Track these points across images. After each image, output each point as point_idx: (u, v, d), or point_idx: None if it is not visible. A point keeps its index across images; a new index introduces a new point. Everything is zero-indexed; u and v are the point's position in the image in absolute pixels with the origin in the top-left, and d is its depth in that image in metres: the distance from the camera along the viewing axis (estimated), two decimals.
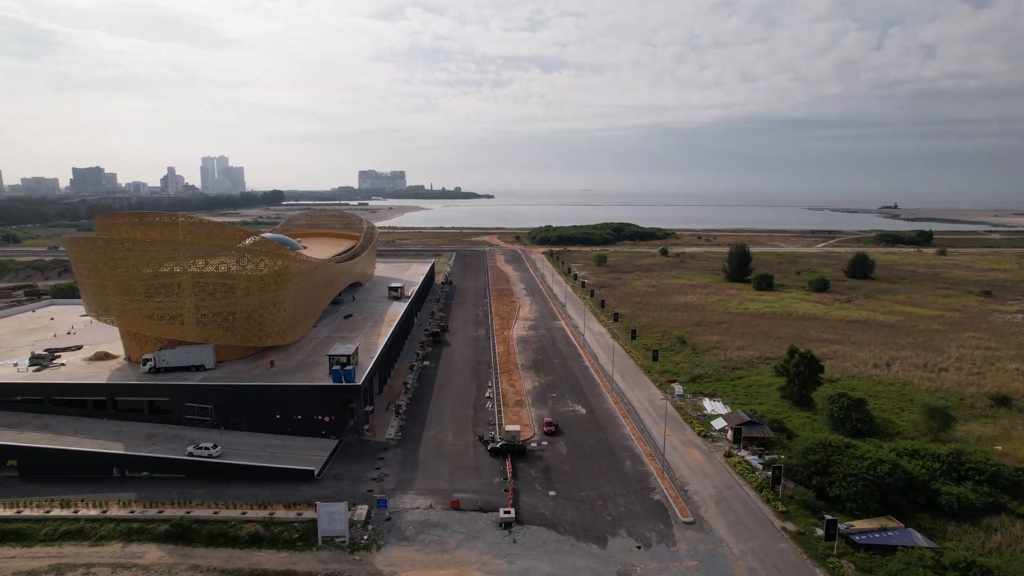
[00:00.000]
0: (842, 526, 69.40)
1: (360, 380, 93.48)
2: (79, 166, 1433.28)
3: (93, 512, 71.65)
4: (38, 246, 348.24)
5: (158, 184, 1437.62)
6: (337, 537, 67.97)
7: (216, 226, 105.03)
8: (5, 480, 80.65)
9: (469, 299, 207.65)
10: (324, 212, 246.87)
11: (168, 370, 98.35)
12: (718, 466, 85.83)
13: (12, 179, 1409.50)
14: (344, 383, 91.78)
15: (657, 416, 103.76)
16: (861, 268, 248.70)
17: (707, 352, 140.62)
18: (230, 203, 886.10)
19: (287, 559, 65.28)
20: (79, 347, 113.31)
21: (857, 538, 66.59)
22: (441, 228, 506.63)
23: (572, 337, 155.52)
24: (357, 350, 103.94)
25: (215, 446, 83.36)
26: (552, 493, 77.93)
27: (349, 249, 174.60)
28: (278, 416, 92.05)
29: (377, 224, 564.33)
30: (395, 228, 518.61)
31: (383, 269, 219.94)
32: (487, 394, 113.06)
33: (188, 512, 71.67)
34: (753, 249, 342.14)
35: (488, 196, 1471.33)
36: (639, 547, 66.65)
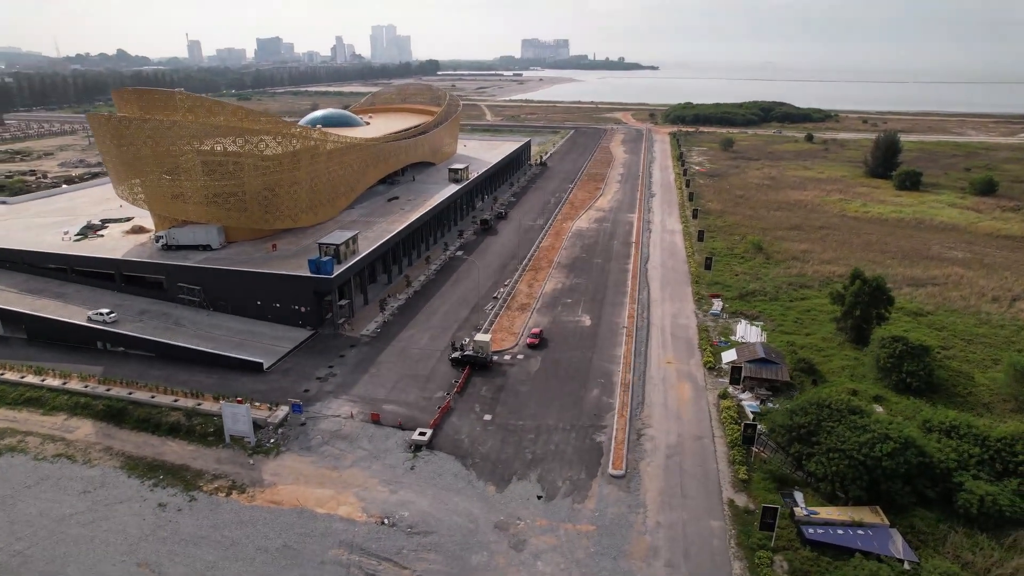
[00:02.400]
0: (802, 510, 55.50)
1: (336, 272, 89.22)
2: (262, 36, 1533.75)
3: (56, 382, 76.23)
4: None
5: (329, 53, 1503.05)
6: (245, 437, 66.58)
7: (217, 104, 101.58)
8: (16, 342, 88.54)
9: (553, 183, 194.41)
10: (413, 86, 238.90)
11: (179, 248, 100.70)
12: (702, 409, 72.49)
13: (209, 50, 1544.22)
14: (318, 275, 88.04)
15: (671, 337, 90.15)
16: None
17: (782, 263, 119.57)
18: (384, 73, 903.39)
19: (189, 453, 65.17)
20: (130, 219, 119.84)
21: (809, 531, 52.71)
22: (578, 103, 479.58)
23: (636, 233, 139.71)
24: (355, 237, 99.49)
25: (111, 312, 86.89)
26: (487, 417, 70.37)
27: (417, 126, 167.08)
28: (259, 302, 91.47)
29: (516, 97, 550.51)
30: (530, 102, 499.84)
31: (474, 147, 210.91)
32: (495, 294, 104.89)
33: (130, 393, 73.76)
34: (929, 138, 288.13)
35: (652, 68, 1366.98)
36: (540, 497, 58.11)
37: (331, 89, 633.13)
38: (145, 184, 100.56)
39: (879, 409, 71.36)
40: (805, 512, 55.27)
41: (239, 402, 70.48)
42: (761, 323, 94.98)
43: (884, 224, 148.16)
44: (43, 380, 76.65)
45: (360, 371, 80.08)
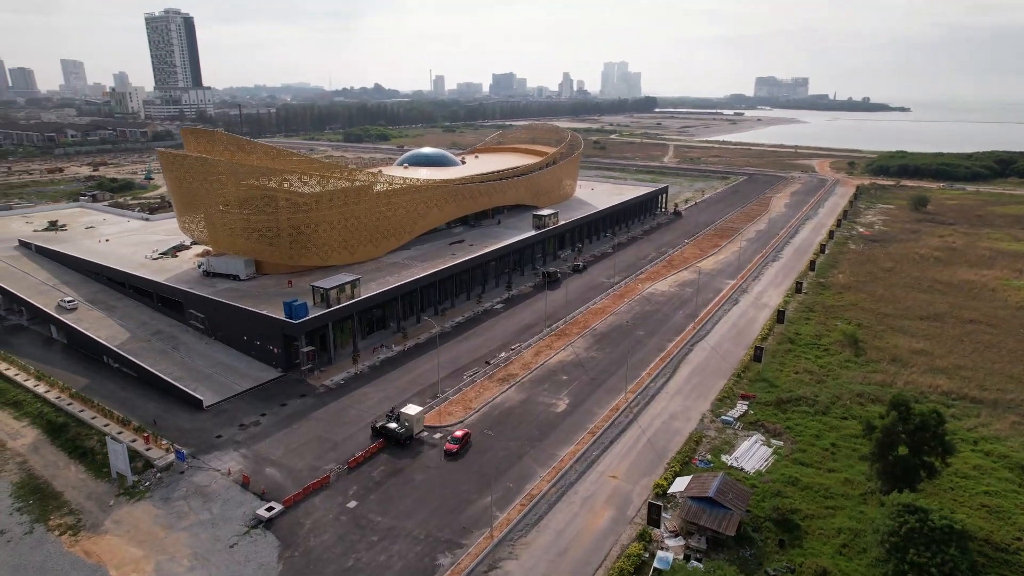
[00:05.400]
0: None
1: (307, 317, 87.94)
2: (498, 72, 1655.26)
3: (40, 388, 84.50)
4: (390, 145, 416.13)
5: (556, 89, 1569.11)
6: (126, 475, 66.98)
7: (250, 144, 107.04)
8: (58, 345, 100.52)
9: (670, 236, 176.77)
10: (542, 126, 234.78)
11: (215, 275, 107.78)
12: (601, 550, 57.42)
13: (451, 84, 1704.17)
14: (286, 318, 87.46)
15: (644, 443, 74.27)
16: None
17: (871, 364, 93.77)
18: (597, 109, 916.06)
19: (76, 481, 67.16)
20: None
21: None
22: (778, 146, 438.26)
23: (712, 305, 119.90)
24: (355, 282, 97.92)
25: (71, 300, 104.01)
26: (352, 505, 62.83)
27: (516, 167, 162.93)
28: (245, 337, 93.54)
29: (715, 137, 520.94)
30: (725, 143, 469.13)
31: (601, 191, 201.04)
32: (492, 359, 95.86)
33: (81, 411, 78.93)
34: None
35: (902, 109, 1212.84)
36: None
37: (527, 123, 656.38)
38: (182, 214, 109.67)
39: None
40: None
41: (144, 437, 71.85)
42: (780, 443, 74.29)
43: None
44: (35, 385, 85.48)
45: (283, 425, 77.18)
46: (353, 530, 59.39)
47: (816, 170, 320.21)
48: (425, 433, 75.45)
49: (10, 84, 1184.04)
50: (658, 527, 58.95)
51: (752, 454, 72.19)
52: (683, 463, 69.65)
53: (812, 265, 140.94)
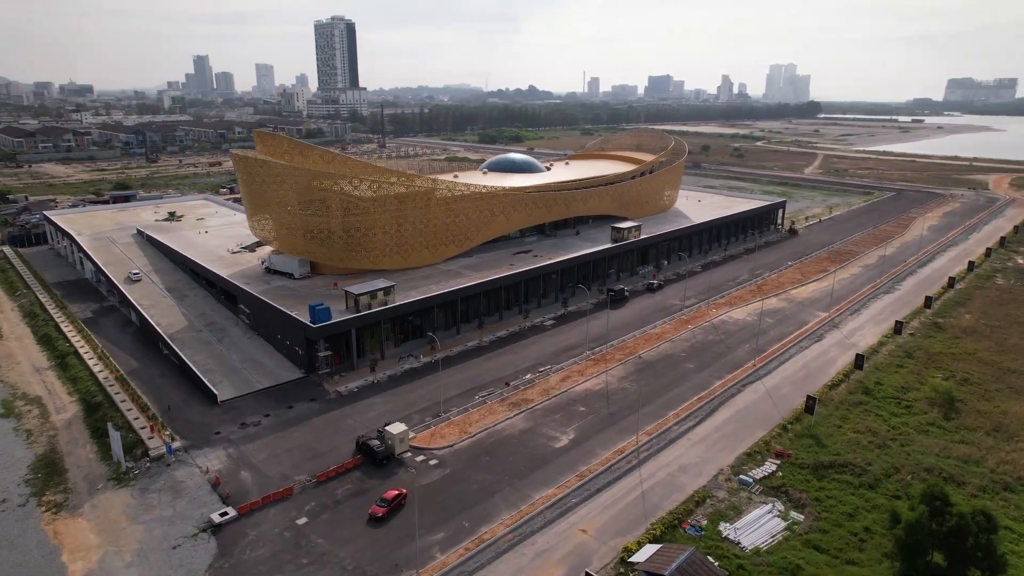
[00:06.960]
0: None
1: (327, 322, 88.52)
2: (655, 74, 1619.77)
3: (97, 368, 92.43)
4: (521, 147, 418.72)
5: (714, 92, 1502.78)
6: (126, 461, 70.82)
7: (307, 147, 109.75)
8: (132, 328, 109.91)
9: (772, 256, 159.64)
10: (648, 132, 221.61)
11: (275, 272, 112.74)
12: None
13: (606, 86, 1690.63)
14: (307, 321, 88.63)
15: (637, 496, 66.25)
16: None
17: (962, 433, 77.34)
18: (751, 113, 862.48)
19: (84, 462, 71.91)
20: None
21: None
22: (950, 159, 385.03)
23: (788, 340, 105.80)
24: (388, 289, 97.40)
25: (137, 273, 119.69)
26: (301, 521, 61.49)
27: (604, 175, 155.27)
28: (279, 335, 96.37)
29: (876, 147, 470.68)
30: (886, 154, 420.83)
31: (709, 203, 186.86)
32: (513, 380, 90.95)
33: (117, 392, 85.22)
34: None
35: None
36: None
37: (674, 127, 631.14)
38: (250, 214, 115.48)
39: None
40: None
41: (151, 425, 75.75)
42: (800, 517, 62.89)
43: None
44: (94, 364, 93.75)
45: (279, 428, 77.93)
46: (290, 549, 57.98)
47: (990, 187, 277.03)
48: (408, 454, 72.71)
49: (214, 86, 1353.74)
50: None
51: (758, 526, 61.64)
52: (669, 526, 60.97)
53: (928, 302, 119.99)
